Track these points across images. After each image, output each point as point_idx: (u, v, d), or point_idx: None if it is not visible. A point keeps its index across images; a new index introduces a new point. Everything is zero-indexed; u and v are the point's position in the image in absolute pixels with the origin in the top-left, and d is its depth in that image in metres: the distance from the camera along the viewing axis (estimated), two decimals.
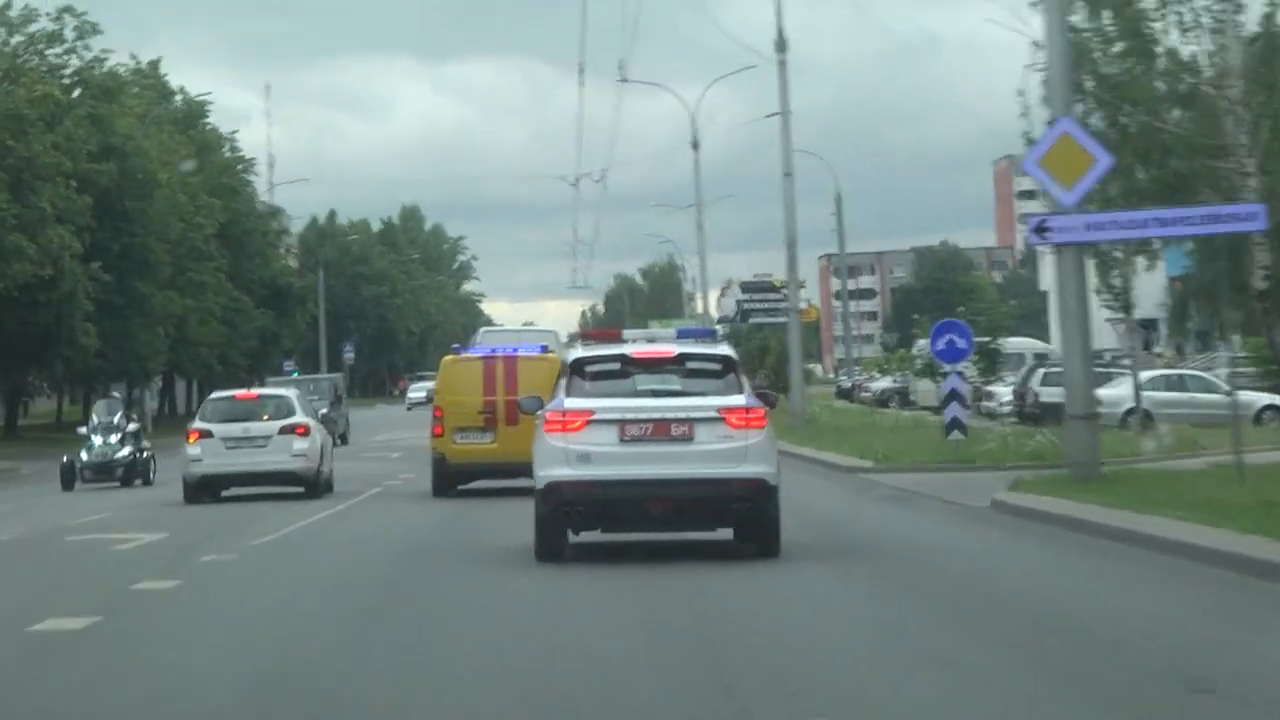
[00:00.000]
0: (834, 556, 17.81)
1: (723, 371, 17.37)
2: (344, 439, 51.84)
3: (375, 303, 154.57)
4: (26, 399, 75.24)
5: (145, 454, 36.81)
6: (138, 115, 69.40)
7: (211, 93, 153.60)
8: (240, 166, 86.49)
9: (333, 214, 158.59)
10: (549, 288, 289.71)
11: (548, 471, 16.82)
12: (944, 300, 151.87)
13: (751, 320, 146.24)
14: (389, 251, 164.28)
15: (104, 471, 36.12)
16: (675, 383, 17.24)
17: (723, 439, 16.61)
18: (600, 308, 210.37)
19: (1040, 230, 22.25)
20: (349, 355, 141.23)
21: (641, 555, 17.41)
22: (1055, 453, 30.50)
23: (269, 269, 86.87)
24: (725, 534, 17.88)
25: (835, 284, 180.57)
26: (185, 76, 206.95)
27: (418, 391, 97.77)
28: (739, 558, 17.12)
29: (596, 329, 27.86)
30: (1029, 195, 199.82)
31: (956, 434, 32.73)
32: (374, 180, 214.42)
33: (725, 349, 18.14)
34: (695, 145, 76.73)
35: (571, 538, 17.53)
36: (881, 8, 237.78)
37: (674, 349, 17.68)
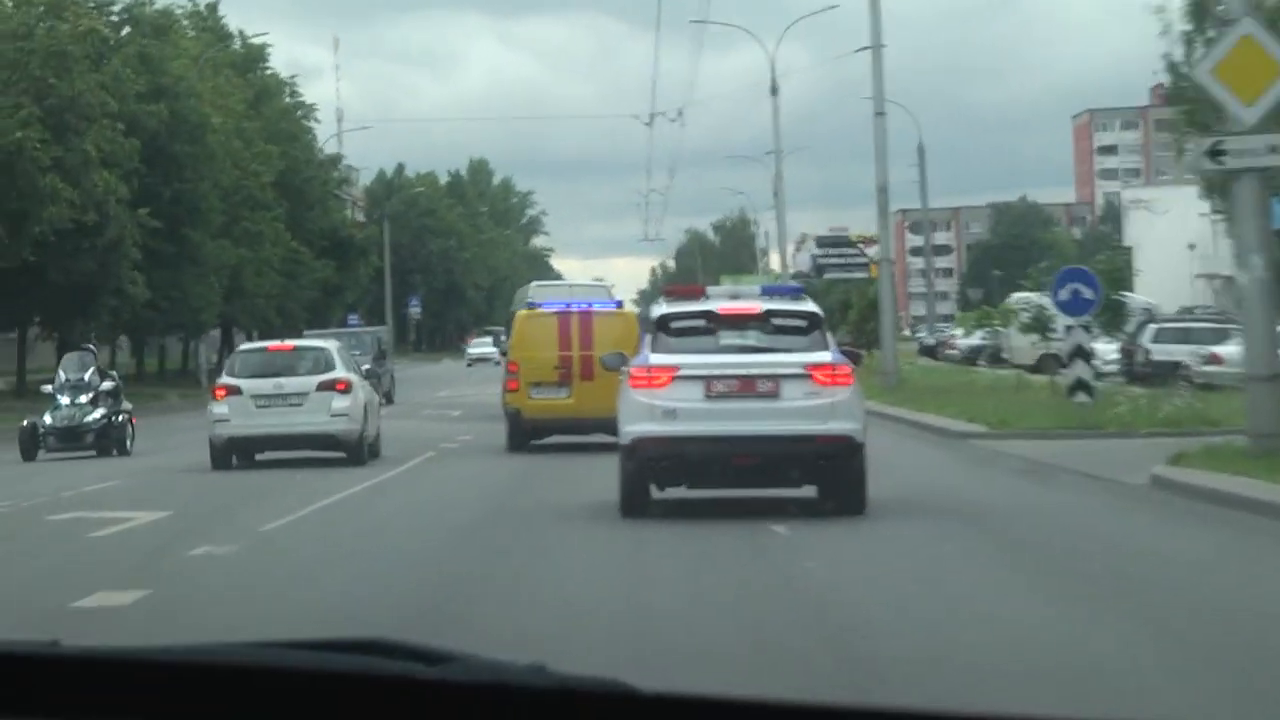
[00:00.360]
0: (953, 530, 16.13)
1: (808, 328, 17.25)
2: (389, 398, 48.47)
3: (442, 256, 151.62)
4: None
5: (122, 418, 31.70)
6: (192, 57, 66.28)
7: (269, 33, 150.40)
8: (300, 113, 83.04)
9: (400, 167, 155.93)
10: (618, 244, 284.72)
11: (633, 427, 16.76)
12: (1022, 256, 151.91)
13: (827, 276, 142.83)
14: (456, 204, 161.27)
15: (71, 438, 30.88)
16: (761, 339, 17.16)
17: (809, 395, 16.57)
18: (670, 264, 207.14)
19: (1214, 154, 18.61)
20: (415, 309, 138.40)
21: (727, 511, 17.13)
22: (1194, 418, 27.81)
23: (329, 219, 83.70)
24: (809, 490, 17.40)
25: (910, 240, 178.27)
26: (250, 28, 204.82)
27: (479, 347, 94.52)
28: (825, 515, 16.71)
29: (681, 285, 23.96)
30: (1110, 150, 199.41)
31: (1082, 396, 29.07)
32: (443, 136, 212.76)
33: (811, 305, 17.96)
34: (774, 90, 73.18)
35: (655, 493, 17.27)
36: None
37: (760, 305, 17.57)
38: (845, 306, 70.29)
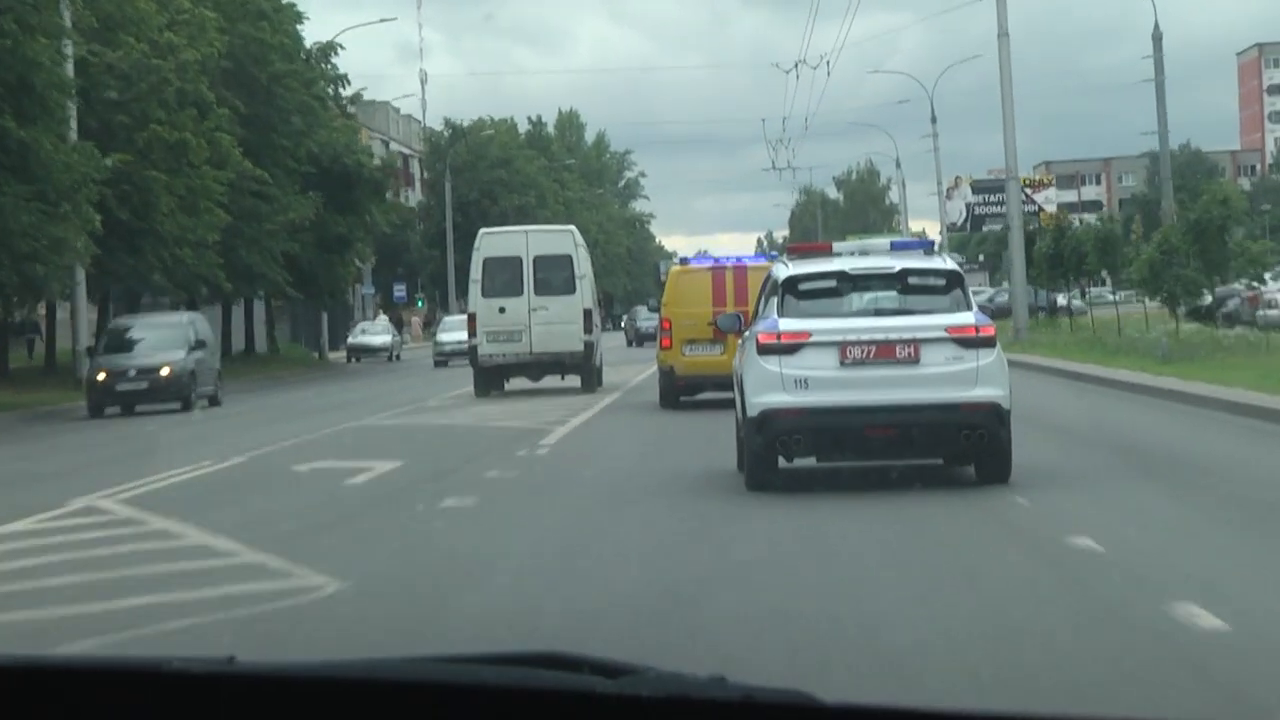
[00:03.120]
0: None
1: (948, 287, 16.01)
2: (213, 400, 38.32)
3: (519, 215, 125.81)
4: None
5: None
6: None
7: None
8: None
9: (480, 122, 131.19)
10: (725, 219, 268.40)
11: (762, 398, 15.53)
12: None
13: (985, 228, 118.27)
14: (538, 156, 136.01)
15: None
16: (897, 301, 15.94)
17: (952, 360, 15.42)
18: (780, 234, 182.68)
19: None
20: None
21: (862, 482, 15.88)
22: None
23: (318, 138, 58.65)
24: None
25: (1060, 196, 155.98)
26: (370, 7, 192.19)
27: (450, 331, 59.75)
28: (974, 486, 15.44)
29: (804, 243, 20.15)
30: None
31: None
32: (549, 111, 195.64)
33: (950, 262, 16.67)
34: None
35: (782, 463, 16.00)
36: None
37: (896, 263, 16.14)
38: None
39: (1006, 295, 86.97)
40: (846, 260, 16.36)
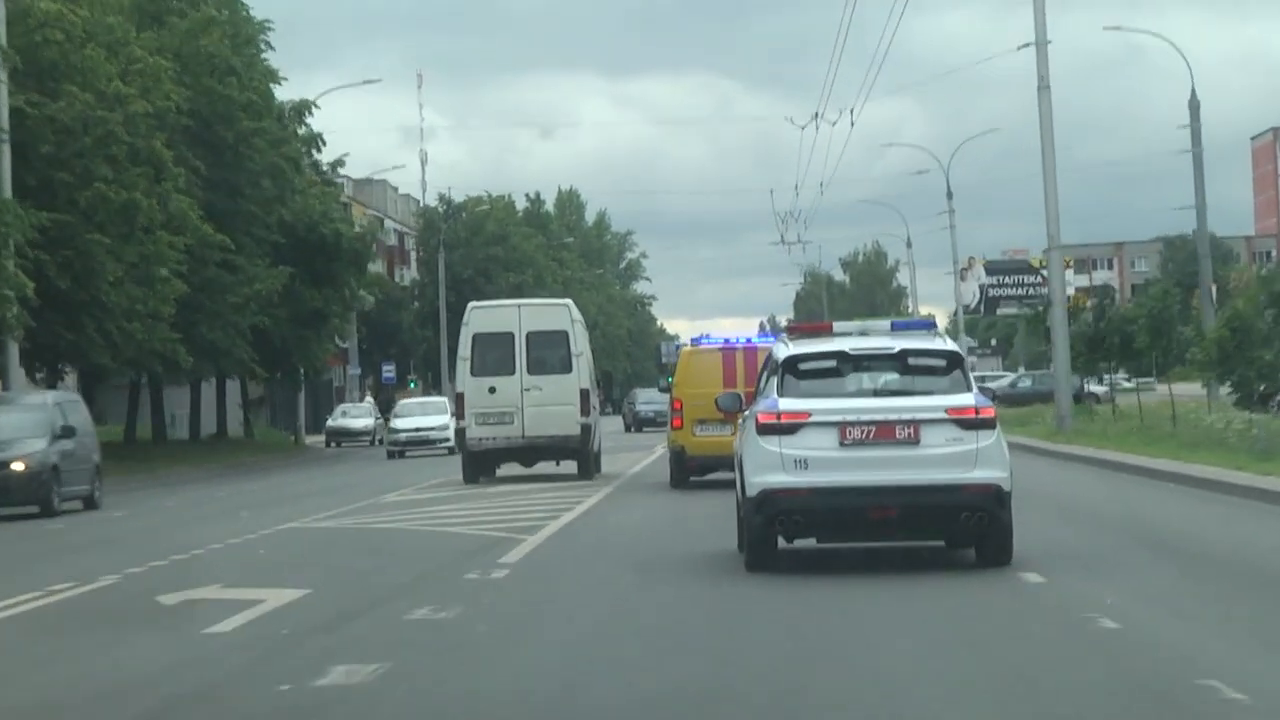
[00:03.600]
0: None
1: (948, 368, 15.88)
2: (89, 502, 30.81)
3: (515, 293, 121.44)
4: None
5: None
6: None
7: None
8: (246, 36, 53.05)
9: (475, 198, 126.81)
10: (728, 304, 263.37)
11: (762, 478, 15.45)
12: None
13: (1000, 311, 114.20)
14: (536, 234, 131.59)
15: None
16: (897, 381, 15.80)
17: (952, 441, 15.29)
18: (784, 318, 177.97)
19: None
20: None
21: (858, 564, 15.91)
22: None
23: (292, 205, 54.02)
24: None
25: (1074, 280, 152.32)
26: (370, 94, 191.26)
27: (410, 417, 54.15)
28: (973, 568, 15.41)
29: (805, 323, 21.14)
30: None
31: None
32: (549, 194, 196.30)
33: (950, 343, 16.48)
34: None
35: (781, 543, 16.04)
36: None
37: (896, 344, 16.07)
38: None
39: (1030, 380, 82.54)
40: (847, 340, 16.29)
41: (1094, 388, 66.14)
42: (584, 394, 33.03)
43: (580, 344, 33.55)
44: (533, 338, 33.15)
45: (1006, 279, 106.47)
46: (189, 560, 17.42)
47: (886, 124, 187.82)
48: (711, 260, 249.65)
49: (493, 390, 32.68)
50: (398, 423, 53.97)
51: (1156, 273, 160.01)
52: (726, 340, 30.08)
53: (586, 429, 32.90)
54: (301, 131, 56.94)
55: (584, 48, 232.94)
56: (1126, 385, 59.41)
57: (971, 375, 16.11)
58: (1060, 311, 40.53)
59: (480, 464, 33.23)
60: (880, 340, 16.28)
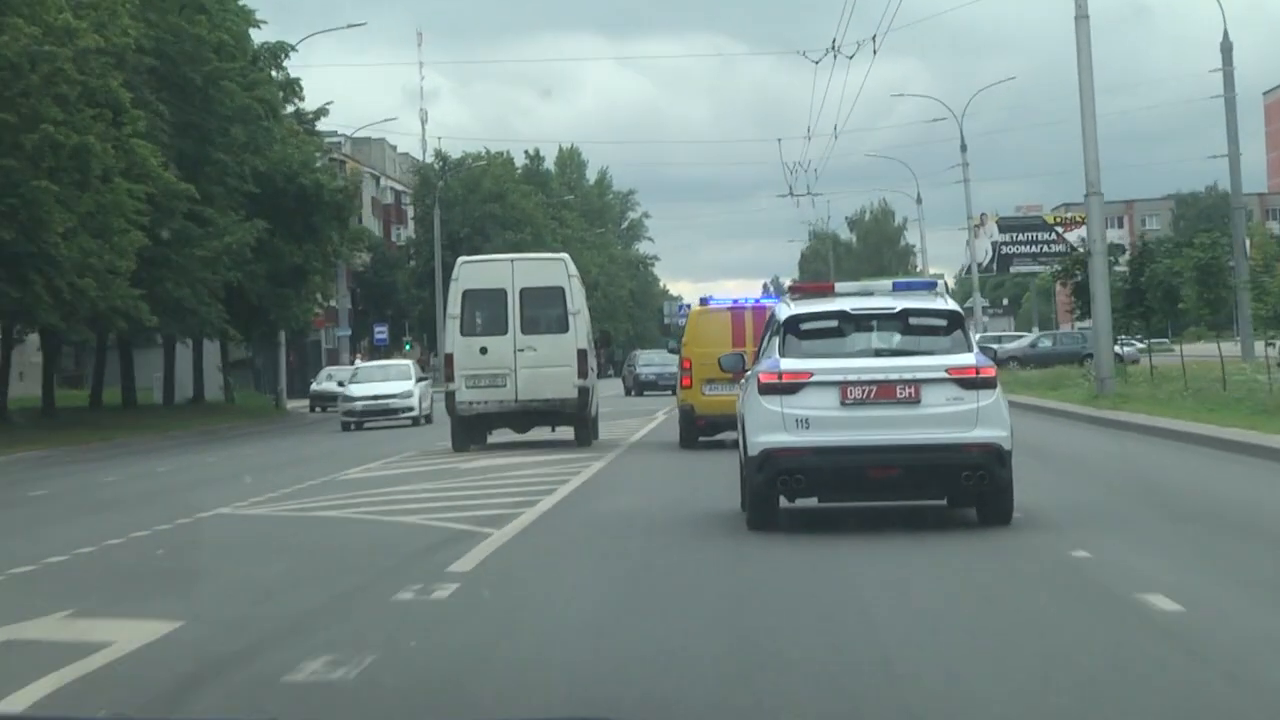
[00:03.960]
0: None
1: (949, 328, 15.96)
2: None
3: (513, 251, 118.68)
4: None
5: None
6: None
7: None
8: None
9: (473, 154, 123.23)
10: (731, 266, 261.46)
11: (763, 437, 15.49)
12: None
13: (1013, 269, 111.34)
14: (535, 192, 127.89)
15: None
16: (898, 341, 15.94)
17: (953, 401, 15.34)
18: (788, 279, 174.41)
19: None
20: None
21: (861, 522, 15.75)
22: None
23: (264, 154, 50.32)
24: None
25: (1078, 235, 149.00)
26: (376, 52, 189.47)
27: (364, 383, 47.92)
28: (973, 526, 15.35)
29: (807, 282, 20.32)
30: None
31: None
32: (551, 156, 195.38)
33: (951, 302, 16.46)
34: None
35: (784, 503, 16.02)
36: None
37: (897, 304, 16.21)
38: None
39: (1049, 340, 79.00)
40: (848, 300, 16.45)
41: (1118, 349, 62.77)
42: (581, 355, 31.03)
43: (577, 301, 31.25)
44: (527, 294, 31.02)
45: (1020, 236, 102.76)
46: (36, 574, 13.56)
47: (895, 78, 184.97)
48: (716, 222, 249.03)
49: (484, 351, 30.83)
50: (354, 389, 47.10)
51: (1168, 230, 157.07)
52: (735, 301, 29.96)
53: (584, 392, 30.99)
54: (278, 76, 53.34)
55: (586, 7, 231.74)
56: (1139, 346, 55.79)
57: (972, 335, 16.03)
58: (1101, 262, 37.06)
59: (470, 430, 31.33)
60: (882, 300, 16.38)
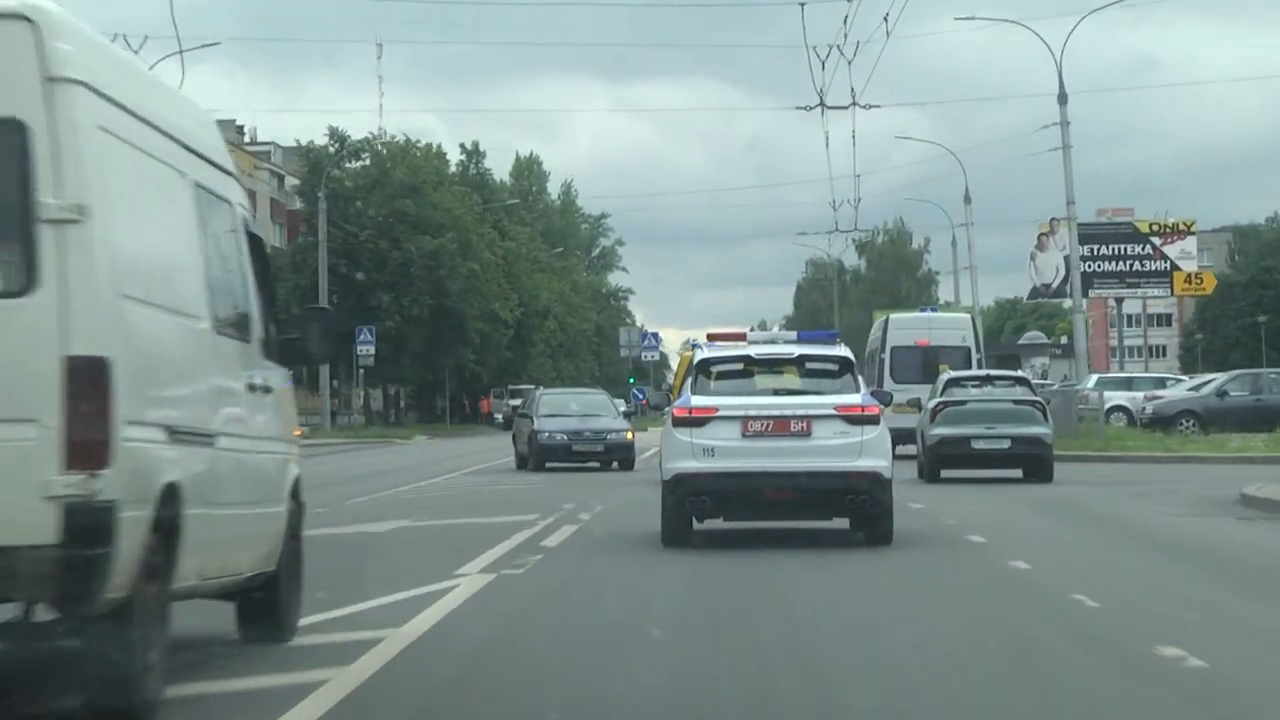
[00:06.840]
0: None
1: (839, 372, 18.89)
2: None
3: (431, 265, 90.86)
4: None
5: None
6: None
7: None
8: None
9: (381, 135, 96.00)
10: (720, 315, 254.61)
11: (675, 464, 18.28)
12: (1276, 296, 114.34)
13: (1092, 293, 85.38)
14: (470, 194, 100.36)
15: None
16: (795, 382, 18.84)
17: (839, 434, 18.06)
18: (777, 325, 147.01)
19: None
20: (366, 348, 77.55)
21: (761, 540, 18.68)
22: None
23: None
24: (841, 522, 19.11)
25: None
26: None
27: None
28: (856, 545, 18.29)
29: (723, 332, 21.88)
30: None
31: None
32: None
33: (843, 350, 19.47)
34: None
35: (695, 524, 18.83)
36: None
37: (794, 350, 19.40)
38: None
39: (1244, 386, 50.66)
40: (755, 348, 19.68)
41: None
42: None
43: None
44: None
45: (1103, 249, 75.44)
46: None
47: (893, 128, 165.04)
48: (706, 269, 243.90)
49: None
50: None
51: (1226, 268, 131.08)
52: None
53: None
54: None
55: (584, 51, 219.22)
56: None
57: (860, 378, 18.99)
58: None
59: None
60: (784, 347, 19.71)
